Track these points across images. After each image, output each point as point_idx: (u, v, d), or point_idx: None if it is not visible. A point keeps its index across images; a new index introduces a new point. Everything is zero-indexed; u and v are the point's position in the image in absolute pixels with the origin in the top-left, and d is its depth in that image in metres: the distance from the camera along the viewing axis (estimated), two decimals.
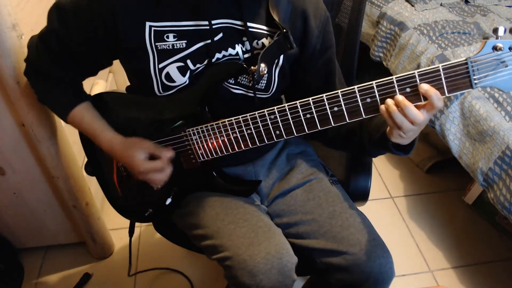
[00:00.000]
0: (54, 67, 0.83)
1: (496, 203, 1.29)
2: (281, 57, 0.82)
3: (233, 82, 0.82)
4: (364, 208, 1.03)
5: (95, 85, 1.49)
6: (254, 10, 0.79)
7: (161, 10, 0.75)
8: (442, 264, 1.51)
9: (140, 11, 0.75)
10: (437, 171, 1.88)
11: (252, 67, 0.76)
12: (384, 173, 1.90)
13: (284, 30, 0.75)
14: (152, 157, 0.84)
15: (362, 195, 1.07)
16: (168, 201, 0.93)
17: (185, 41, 0.77)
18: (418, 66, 1.65)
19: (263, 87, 0.83)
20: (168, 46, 0.76)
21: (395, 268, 0.85)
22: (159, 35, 0.76)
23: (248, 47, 0.79)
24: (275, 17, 0.77)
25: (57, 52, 0.81)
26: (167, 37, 0.76)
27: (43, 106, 1.04)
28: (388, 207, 1.74)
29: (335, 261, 0.85)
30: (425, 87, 0.65)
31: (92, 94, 0.92)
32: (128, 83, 0.92)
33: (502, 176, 1.27)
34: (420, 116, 0.67)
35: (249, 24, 0.78)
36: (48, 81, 0.86)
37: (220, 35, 0.78)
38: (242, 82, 0.82)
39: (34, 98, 1.01)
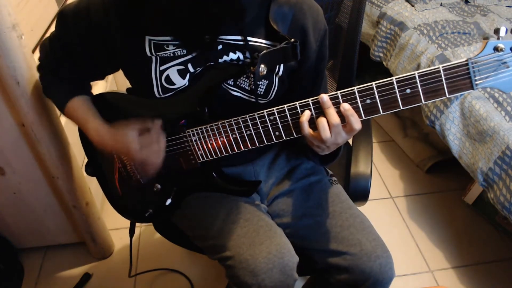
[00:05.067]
0: (60, 69, 0.85)
1: (496, 203, 1.29)
2: (281, 67, 0.82)
3: (232, 84, 0.82)
4: (364, 208, 1.03)
5: (95, 85, 1.49)
6: (254, 25, 0.78)
7: (161, 26, 0.75)
8: (442, 264, 1.51)
9: (139, 26, 0.75)
10: (437, 171, 1.88)
11: (251, 68, 0.76)
12: (384, 173, 1.90)
13: (293, 40, 0.73)
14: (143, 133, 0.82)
15: (362, 195, 1.07)
16: (168, 201, 0.93)
17: (186, 49, 0.77)
18: (418, 66, 1.65)
19: (262, 93, 0.83)
20: (169, 54, 0.77)
21: (395, 268, 0.85)
22: (159, 46, 0.76)
23: (249, 56, 0.79)
24: (278, 30, 0.76)
25: (62, 57, 0.83)
26: (167, 46, 0.76)
27: (43, 106, 1.05)
28: (388, 207, 1.74)
29: (335, 261, 0.85)
30: (346, 106, 0.69)
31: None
32: (129, 84, 0.92)
33: (502, 176, 1.27)
34: (327, 134, 0.70)
35: (249, 38, 0.78)
36: (55, 78, 0.88)
37: (220, 46, 0.78)
38: (242, 85, 0.82)
39: (34, 98, 1.01)
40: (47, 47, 0.85)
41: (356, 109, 0.70)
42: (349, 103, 0.70)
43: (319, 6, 0.86)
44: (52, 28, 0.90)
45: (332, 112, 0.70)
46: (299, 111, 0.73)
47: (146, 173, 0.88)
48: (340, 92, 0.69)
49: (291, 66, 0.83)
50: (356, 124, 0.70)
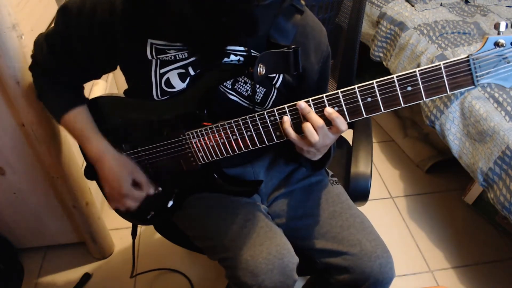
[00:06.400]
0: (56, 67, 0.83)
1: (496, 203, 1.29)
2: (279, 80, 0.82)
3: (230, 87, 0.81)
4: (364, 208, 1.03)
5: (95, 85, 1.49)
6: (256, 40, 0.77)
7: (167, 33, 0.74)
8: (442, 264, 1.51)
9: (143, 30, 0.75)
10: (437, 171, 1.88)
11: (250, 68, 0.75)
12: (384, 173, 1.90)
13: (294, 46, 0.73)
14: (135, 184, 0.85)
15: (362, 195, 1.07)
16: (170, 203, 0.93)
17: (187, 52, 0.76)
18: (418, 66, 1.65)
19: (258, 101, 0.83)
20: (170, 57, 0.76)
21: (395, 268, 0.86)
22: (161, 51, 0.76)
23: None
24: (279, 43, 0.76)
25: (60, 54, 0.81)
26: (169, 50, 0.76)
27: (43, 106, 1.04)
28: (388, 207, 1.74)
29: (335, 261, 0.85)
30: (329, 110, 0.69)
31: (93, 94, 0.92)
32: None
33: (502, 176, 1.27)
34: (315, 137, 0.70)
35: (251, 50, 0.78)
36: (50, 79, 0.86)
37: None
38: (239, 89, 0.81)
39: (34, 98, 1.01)
40: (43, 44, 0.82)
41: (357, 108, 0.70)
42: (350, 101, 0.69)
43: (323, 27, 0.85)
44: None
45: (313, 116, 0.70)
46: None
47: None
48: (341, 91, 0.69)
49: (290, 82, 0.83)
50: (342, 125, 0.70)
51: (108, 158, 0.84)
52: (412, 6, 1.88)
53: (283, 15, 0.78)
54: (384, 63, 1.92)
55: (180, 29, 0.70)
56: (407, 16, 1.81)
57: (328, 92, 0.88)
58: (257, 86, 0.81)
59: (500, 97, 1.36)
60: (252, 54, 0.78)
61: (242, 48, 0.77)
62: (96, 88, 1.47)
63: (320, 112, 0.71)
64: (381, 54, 1.93)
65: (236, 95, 0.82)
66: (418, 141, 2.00)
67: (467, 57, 0.63)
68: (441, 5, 1.92)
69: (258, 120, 0.75)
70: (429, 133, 1.99)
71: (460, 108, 1.44)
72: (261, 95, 0.82)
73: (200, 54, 0.76)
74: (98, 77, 0.90)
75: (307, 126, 0.70)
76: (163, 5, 0.71)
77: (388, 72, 1.89)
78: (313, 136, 0.70)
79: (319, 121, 0.70)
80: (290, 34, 0.79)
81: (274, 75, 0.81)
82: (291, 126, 0.73)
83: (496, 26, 0.62)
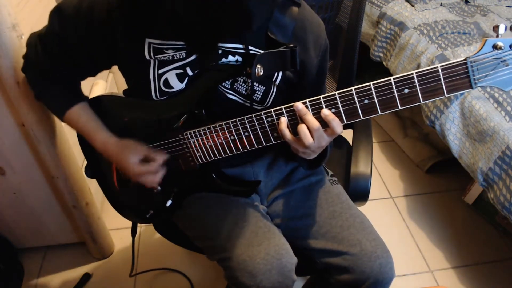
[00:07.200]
0: (52, 67, 0.83)
1: (496, 203, 1.29)
2: (279, 75, 0.82)
3: (229, 87, 0.81)
4: (364, 208, 1.03)
5: (95, 85, 1.49)
6: (255, 35, 0.77)
7: (162, 29, 0.74)
8: (442, 264, 1.51)
9: (140, 28, 0.74)
10: (437, 171, 1.88)
11: (248, 69, 0.75)
12: (384, 173, 1.90)
13: (292, 45, 0.73)
14: (146, 160, 0.85)
15: (362, 195, 1.07)
16: (169, 202, 0.93)
17: (185, 52, 0.76)
18: (418, 66, 1.65)
19: (258, 99, 0.83)
20: (168, 58, 0.76)
21: (395, 268, 0.85)
22: (158, 50, 0.76)
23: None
24: (277, 39, 0.76)
25: (56, 54, 0.81)
26: (167, 49, 0.76)
27: (43, 106, 1.05)
28: (388, 207, 1.74)
29: (335, 261, 0.85)
30: (325, 112, 0.69)
31: (92, 94, 0.92)
32: None
33: (502, 176, 1.27)
34: (309, 140, 0.71)
35: (249, 47, 0.78)
36: (47, 79, 0.86)
37: (220, 51, 0.77)
38: (238, 89, 0.81)
39: (34, 98, 1.01)
40: (37, 45, 0.81)
41: (354, 109, 0.70)
42: (347, 103, 0.69)
43: (321, 20, 0.85)
44: None
45: (310, 118, 0.70)
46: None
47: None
48: (338, 93, 0.69)
49: (290, 78, 0.83)
50: (338, 128, 0.70)
51: (111, 146, 0.85)
52: (412, 6, 1.88)
53: (279, 8, 0.78)
54: (384, 63, 1.92)
55: (176, 25, 0.70)
56: (407, 16, 1.81)
57: (325, 87, 0.89)
58: (257, 84, 0.81)
59: (500, 97, 1.36)
60: (251, 51, 0.77)
61: (240, 46, 0.77)
62: (96, 88, 1.47)
63: (317, 113, 0.71)
64: (381, 54, 1.93)
65: (236, 95, 0.82)
66: (418, 141, 2.00)
67: (465, 59, 0.62)
68: (441, 5, 1.92)
69: (255, 120, 0.75)
70: (429, 133, 1.99)
71: (460, 108, 1.44)
72: (261, 93, 0.82)
73: (198, 51, 0.76)
74: (93, 74, 0.89)
75: (302, 128, 0.71)
76: (157, 2, 0.71)
77: (388, 72, 1.89)
78: (307, 138, 0.71)
79: (315, 124, 0.70)
80: (288, 28, 0.79)
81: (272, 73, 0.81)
82: (288, 127, 0.73)
83: (495, 29, 0.62)
